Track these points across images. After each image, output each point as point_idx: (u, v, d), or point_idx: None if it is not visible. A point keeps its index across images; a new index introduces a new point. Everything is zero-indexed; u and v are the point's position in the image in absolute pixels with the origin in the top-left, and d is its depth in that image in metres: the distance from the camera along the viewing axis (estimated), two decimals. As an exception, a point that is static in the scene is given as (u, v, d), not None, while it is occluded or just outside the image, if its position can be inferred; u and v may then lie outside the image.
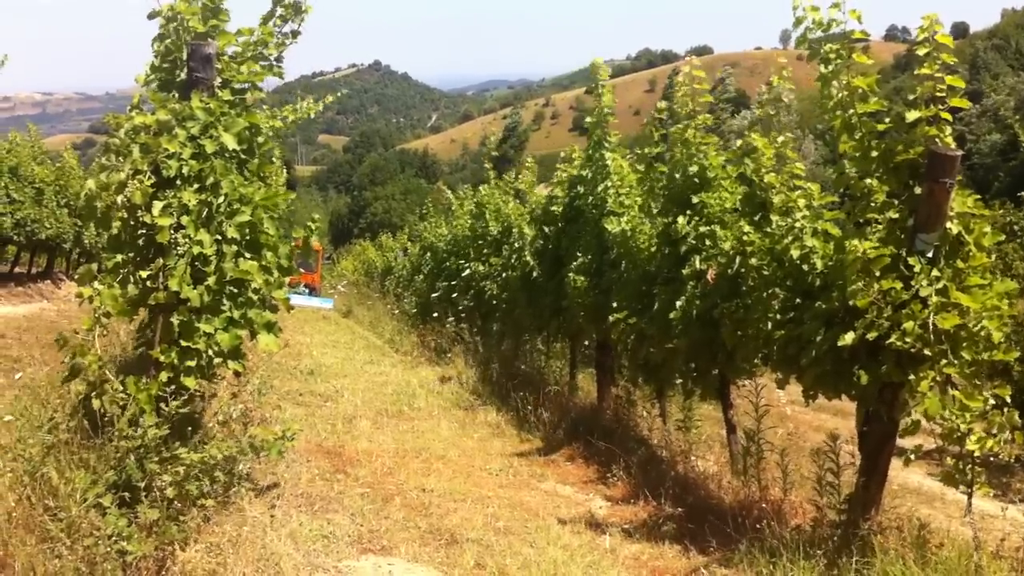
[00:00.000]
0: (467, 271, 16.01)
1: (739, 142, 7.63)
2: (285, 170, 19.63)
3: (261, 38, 6.46)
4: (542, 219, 12.17)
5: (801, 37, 5.85)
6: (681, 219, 7.90)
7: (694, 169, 8.00)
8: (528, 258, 12.12)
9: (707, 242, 7.59)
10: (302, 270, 38.25)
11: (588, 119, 10.57)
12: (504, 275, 13.56)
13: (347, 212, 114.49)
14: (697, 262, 7.57)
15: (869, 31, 5.85)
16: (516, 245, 12.98)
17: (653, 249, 8.53)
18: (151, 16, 6.10)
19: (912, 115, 5.29)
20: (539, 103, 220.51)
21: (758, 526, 5.74)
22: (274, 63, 6.75)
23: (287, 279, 6.54)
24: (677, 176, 8.15)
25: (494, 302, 14.17)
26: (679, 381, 8.19)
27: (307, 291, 36.21)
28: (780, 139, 7.36)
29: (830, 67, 5.71)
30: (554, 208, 11.68)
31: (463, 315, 16.11)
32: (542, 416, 9.79)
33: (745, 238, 6.95)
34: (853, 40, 5.77)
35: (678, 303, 7.58)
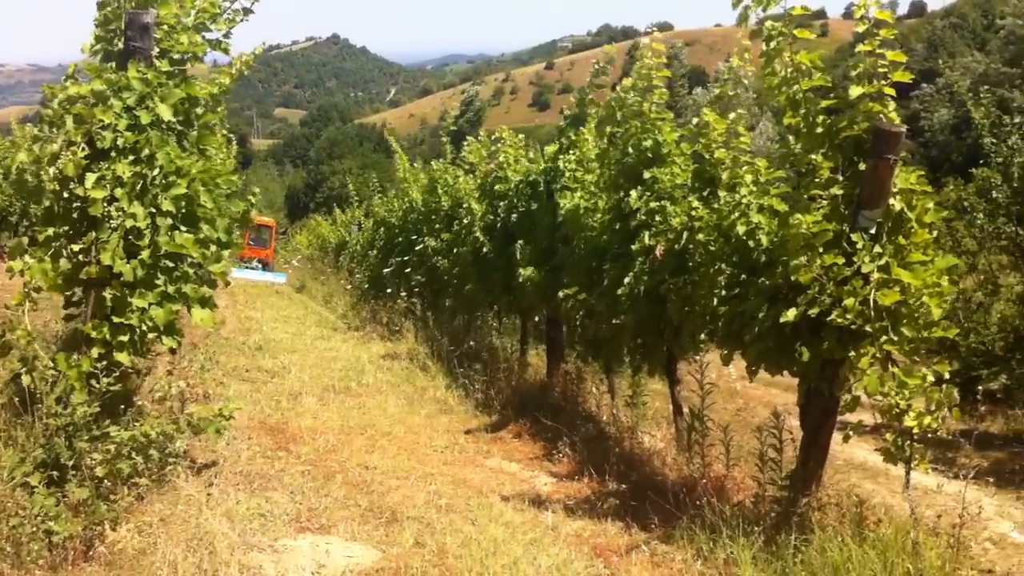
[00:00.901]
0: (420, 246, 15.87)
1: (695, 120, 7.55)
2: (235, 142, 19.30)
3: (204, 8, 6.30)
4: (492, 194, 12.06)
5: (742, 15, 5.77)
6: (633, 193, 7.83)
7: (648, 144, 7.90)
8: (478, 234, 12.01)
9: (657, 217, 7.53)
10: (253, 244, 38.01)
11: (571, 97, 10.43)
12: (455, 251, 13.44)
13: (303, 186, 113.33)
14: (646, 237, 7.51)
15: (827, 9, 5.79)
16: (465, 221, 12.86)
17: (604, 225, 8.46)
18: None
19: (855, 91, 5.25)
20: (499, 78, 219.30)
21: (698, 503, 5.71)
22: (221, 38, 6.59)
23: (226, 252, 6.41)
24: (631, 151, 8.05)
25: (445, 277, 14.06)
26: (627, 358, 8.15)
27: (260, 266, 35.86)
28: (731, 116, 7.32)
29: (772, 44, 5.65)
30: (498, 187, 11.59)
31: (415, 291, 15.97)
32: (491, 393, 9.74)
33: (693, 213, 6.91)
34: (802, 17, 5.70)
35: (626, 279, 7.53)
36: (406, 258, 17.05)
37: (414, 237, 16.64)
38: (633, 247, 7.63)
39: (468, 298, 13.05)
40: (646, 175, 7.77)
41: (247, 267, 34.14)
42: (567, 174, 9.58)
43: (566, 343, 10.25)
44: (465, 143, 14.89)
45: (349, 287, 22.44)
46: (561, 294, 8.58)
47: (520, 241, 10.35)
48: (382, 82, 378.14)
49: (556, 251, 9.50)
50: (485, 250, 11.74)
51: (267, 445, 7.16)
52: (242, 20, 6.72)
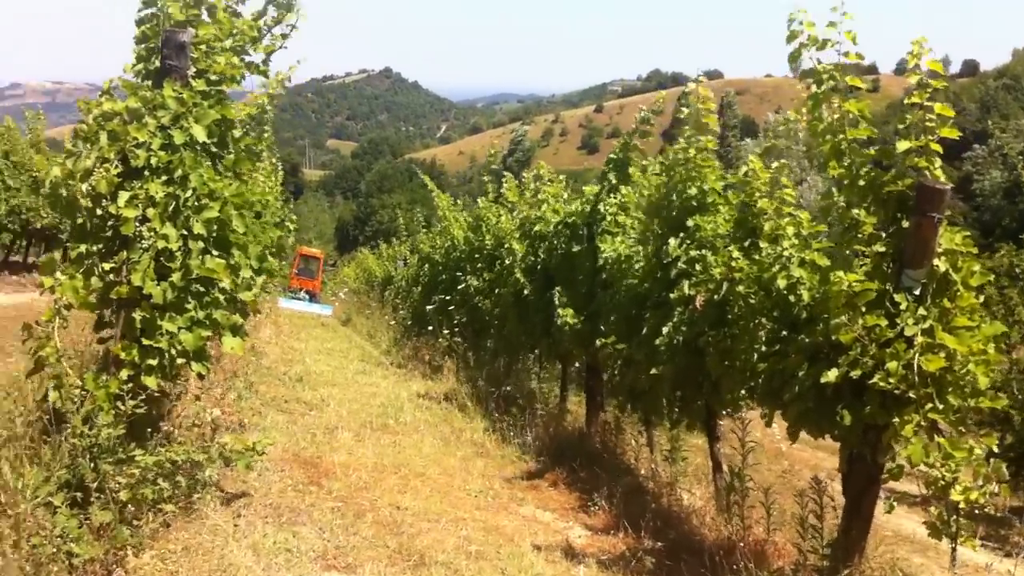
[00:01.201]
0: (462, 285, 15.88)
1: (743, 169, 7.47)
2: (282, 170, 19.49)
3: (243, 31, 6.35)
4: (532, 235, 12.04)
5: (795, 53, 5.69)
6: (673, 241, 7.78)
7: (692, 191, 7.84)
8: (518, 275, 11.98)
9: (697, 267, 7.46)
10: (301, 275, 38.37)
11: (616, 141, 10.42)
12: (497, 291, 13.43)
13: (352, 219, 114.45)
14: (686, 287, 7.43)
15: (879, 64, 5.72)
16: (507, 261, 12.84)
17: (645, 272, 8.39)
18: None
19: (902, 145, 5.17)
20: (548, 119, 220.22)
21: (736, 567, 5.59)
22: (259, 63, 6.64)
23: (260, 279, 6.43)
24: (674, 198, 8.00)
25: (487, 318, 14.04)
26: (666, 410, 8.04)
27: (307, 297, 36.12)
28: (775, 165, 7.25)
29: (822, 87, 5.58)
30: (538, 227, 11.57)
31: (457, 329, 15.97)
32: (528, 439, 9.67)
33: (733, 264, 6.83)
34: (855, 68, 5.63)
35: (664, 329, 7.46)
36: (448, 296, 17.06)
37: (457, 275, 16.66)
38: (672, 296, 7.56)
39: (509, 340, 13.00)
40: (689, 223, 7.70)
41: (295, 297, 34.42)
42: (608, 218, 9.54)
43: (606, 392, 10.15)
44: (504, 180, 14.88)
45: (393, 323, 22.51)
46: (599, 342, 8.52)
47: (559, 286, 10.31)
48: (433, 117, 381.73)
49: (596, 296, 9.44)
50: (526, 292, 11.70)
51: (299, 478, 7.15)
52: (281, 47, 6.76)
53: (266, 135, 12.26)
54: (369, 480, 7.50)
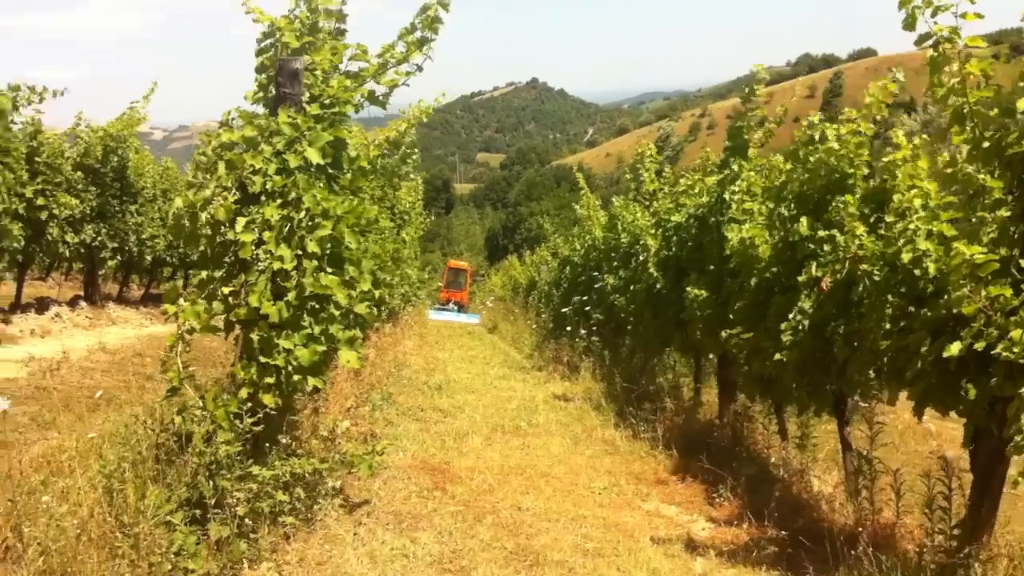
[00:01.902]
0: (599, 284, 15.78)
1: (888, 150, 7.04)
2: (421, 185, 19.87)
3: (367, 67, 6.48)
4: (665, 228, 11.85)
5: (909, 18, 5.33)
6: (804, 220, 7.47)
7: (843, 166, 7.39)
8: (652, 270, 11.81)
9: (825, 247, 7.14)
10: (449, 287, 39.58)
11: (728, 127, 10.21)
12: (632, 288, 13.26)
13: (501, 229, 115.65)
14: (813, 268, 7.14)
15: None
16: (642, 257, 12.68)
17: (772, 257, 8.10)
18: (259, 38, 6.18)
19: (1023, 103, 4.80)
20: (695, 114, 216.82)
21: (852, 550, 5.31)
22: (380, 95, 6.74)
23: (378, 292, 6.51)
24: (821, 174, 7.54)
25: (623, 315, 13.88)
26: (795, 395, 7.73)
27: (456, 308, 36.93)
28: (915, 140, 6.86)
29: (939, 50, 5.22)
30: (674, 219, 11.36)
31: (594, 328, 15.87)
32: (658, 433, 9.49)
33: (858, 241, 6.51)
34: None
35: (790, 314, 7.18)
36: (586, 297, 16.99)
37: (594, 275, 16.58)
38: (800, 279, 7.26)
39: (644, 336, 12.84)
40: (834, 200, 7.28)
41: (444, 309, 35.26)
42: (734, 206, 9.27)
43: (738, 382, 9.86)
44: (642, 173, 14.73)
45: (535, 327, 22.60)
46: (724, 333, 8.27)
47: (692, 274, 10.10)
48: (579, 123, 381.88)
49: (724, 284, 9.19)
50: (658, 286, 11.52)
51: (424, 484, 7.20)
52: (404, 83, 6.84)
53: (413, 157, 12.53)
54: (493, 483, 7.49)
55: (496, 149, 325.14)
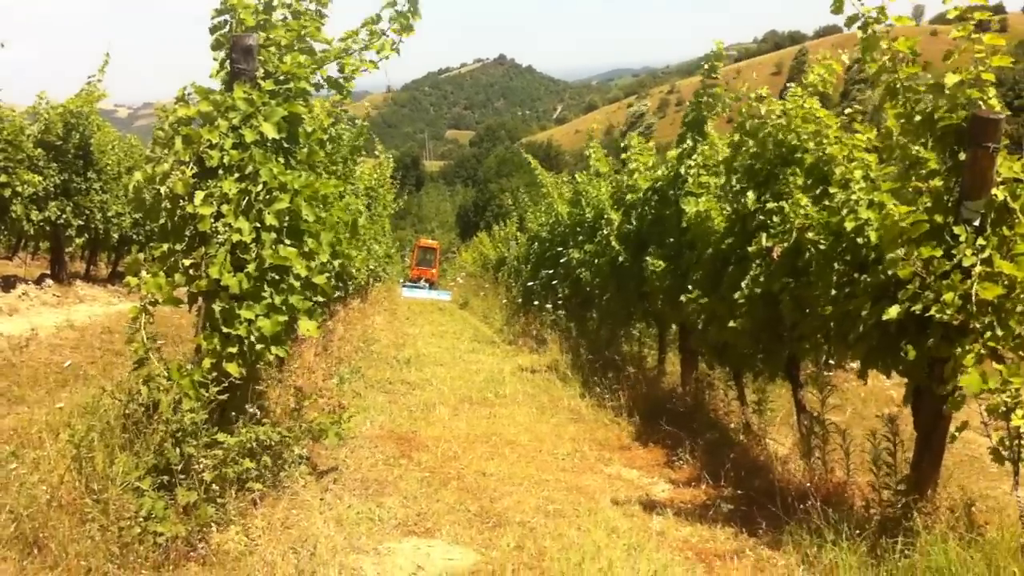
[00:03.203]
0: (564, 259, 16.00)
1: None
2: (391, 163, 19.94)
3: (329, 50, 6.58)
4: (625, 203, 12.08)
5: (836, 1, 5.56)
6: (751, 194, 7.71)
7: (789, 140, 7.59)
8: (614, 243, 12.04)
9: (775, 218, 7.37)
10: (420, 265, 39.82)
11: (688, 102, 10.42)
12: (596, 261, 13.49)
13: (473, 205, 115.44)
14: (764, 239, 7.37)
15: (1000, 2, 5.50)
16: (605, 231, 12.90)
17: (726, 228, 8.33)
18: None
19: (952, 78, 5.04)
20: (663, 91, 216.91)
21: (804, 507, 5.56)
22: (341, 80, 6.84)
23: (337, 262, 6.65)
24: (770, 148, 7.73)
25: (588, 289, 14.12)
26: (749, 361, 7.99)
27: (427, 285, 37.20)
28: (848, 110, 7.11)
29: (868, 31, 5.46)
30: (630, 196, 11.60)
31: (561, 302, 16.10)
32: (623, 401, 9.72)
33: (802, 212, 6.75)
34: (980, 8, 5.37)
35: (743, 282, 7.42)
36: (553, 271, 17.21)
37: (559, 249, 16.79)
38: (751, 249, 7.49)
39: (608, 308, 13.07)
40: (782, 174, 7.51)
41: (415, 286, 35.50)
42: (691, 180, 9.49)
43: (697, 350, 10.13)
44: (591, 151, 15.02)
45: (505, 302, 22.81)
46: (683, 298, 8.51)
47: (652, 247, 10.33)
48: (548, 99, 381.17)
49: (684, 256, 9.42)
50: (621, 259, 11.75)
51: (391, 453, 7.39)
52: (365, 71, 6.94)
53: (364, 136, 12.54)
54: (459, 450, 7.70)
55: (465, 126, 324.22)
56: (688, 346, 10.05)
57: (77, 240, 17.05)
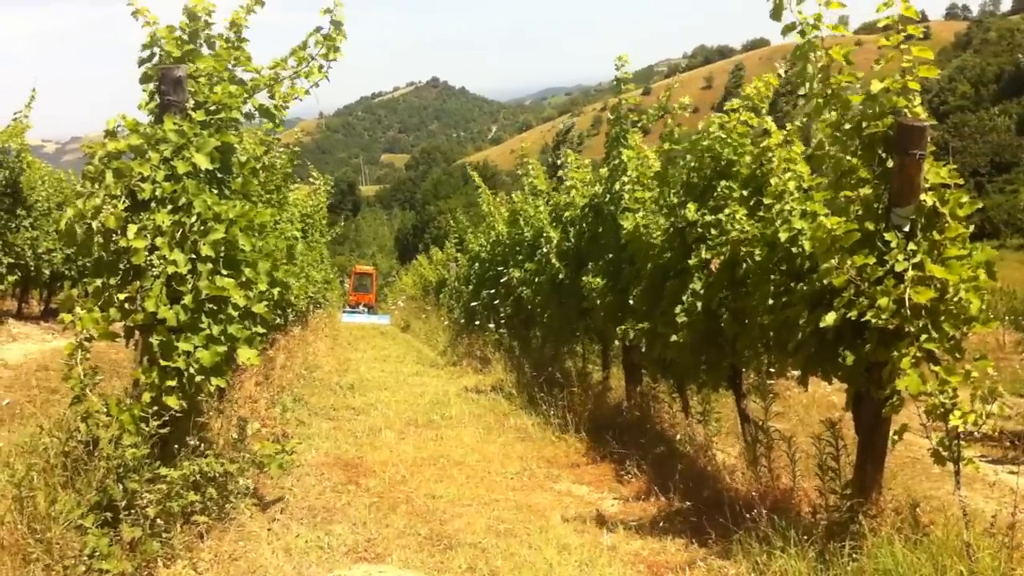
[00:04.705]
0: (505, 278, 16.02)
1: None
2: (326, 189, 19.81)
3: (258, 79, 6.55)
4: (563, 221, 12.15)
5: (776, 8, 5.62)
6: (691, 206, 7.80)
7: (727, 153, 7.69)
8: (554, 260, 12.09)
9: (713, 231, 7.46)
10: (358, 291, 39.75)
11: (609, 116, 10.56)
12: (537, 280, 13.53)
13: (411, 228, 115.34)
14: (703, 251, 7.46)
15: (923, 10, 5.64)
16: (544, 249, 12.95)
17: (664, 242, 8.41)
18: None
19: (877, 86, 5.16)
20: (596, 108, 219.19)
21: (751, 515, 5.62)
22: (272, 108, 6.82)
23: (276, 291, 6.61)
24: (707, 162, 7.83)
25: (530, 307, 14.15)
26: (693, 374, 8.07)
27: (366, 310, 37.10)
28: (788, 126, 7.26)
29: (805, 39, 5.55)
30: (568, 213, 11.68)
31: (503, 321, 16.12)
32: (569, 418, 9.75)
33: (739, 224, 6.85)
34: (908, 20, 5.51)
35: (684, 296, 7.49)
36: (494, 291, 17.22)
37: (500, 269, 16.81)
38: (691, 262, 7.58)
39: (551, 326, 13.10)
40: (719, 187, 7.61)
41: (355, 312, 35.37)
42: (627, 196, 9.58)
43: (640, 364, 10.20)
44: (529, 168, 15.11)
45: (447, 323, 22.78)
46: (619, 329, 8.60)
47: (590, 263, 10.40)
48: (482, 120, 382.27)
49: (623, 272, 9.49)
50: (561, 276, 11.81)
51: (338, 479, 7.33)
52: (297, 99, 6.93)
53: (295, 162, 12.39)
54: (407, 474, 7.66)
55: (400, 150, 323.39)
56: (632, 361, 10.11)
57: (9, 278, 16.66)
